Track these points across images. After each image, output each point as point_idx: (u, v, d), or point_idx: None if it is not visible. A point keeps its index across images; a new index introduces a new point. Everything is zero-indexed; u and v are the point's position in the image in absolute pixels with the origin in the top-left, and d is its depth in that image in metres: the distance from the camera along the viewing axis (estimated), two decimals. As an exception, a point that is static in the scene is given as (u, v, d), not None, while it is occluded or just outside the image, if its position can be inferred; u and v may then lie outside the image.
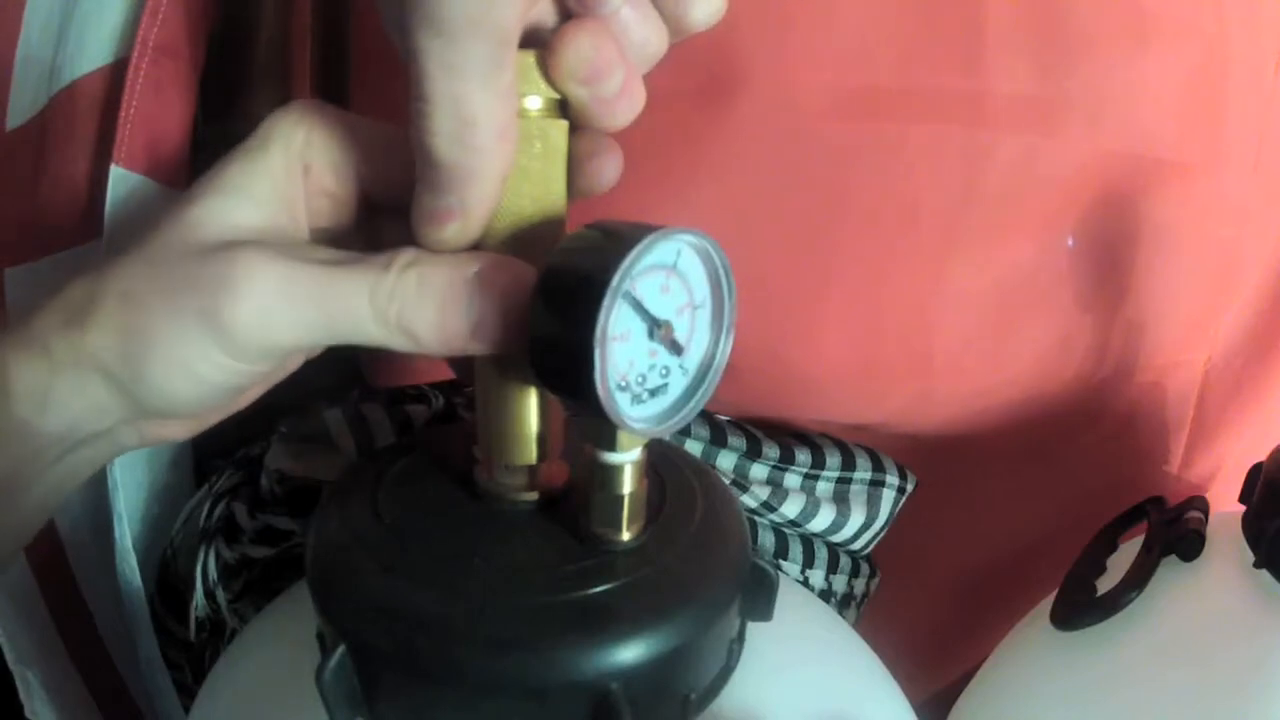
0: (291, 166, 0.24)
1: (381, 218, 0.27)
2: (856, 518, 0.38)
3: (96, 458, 0.26)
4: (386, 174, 0.25)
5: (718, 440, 0.37)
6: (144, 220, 0.24)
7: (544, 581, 0.23)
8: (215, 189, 0.24)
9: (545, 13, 0.23)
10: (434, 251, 0.23)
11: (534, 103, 0.23)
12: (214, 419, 0.27)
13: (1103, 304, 0.40)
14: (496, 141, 0.21)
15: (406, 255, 0.23)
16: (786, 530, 0.38)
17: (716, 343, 0.24)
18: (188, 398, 0.23)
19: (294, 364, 0.27)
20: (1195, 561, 0.34)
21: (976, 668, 0.40)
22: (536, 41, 0.23)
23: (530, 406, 0.25)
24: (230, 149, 0.25)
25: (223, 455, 0.40)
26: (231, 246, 0.23)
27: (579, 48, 0.21)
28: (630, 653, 0.22)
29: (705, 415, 0.38)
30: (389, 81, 0.36)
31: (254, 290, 0.22)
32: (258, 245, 0.23)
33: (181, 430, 0.26)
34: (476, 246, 0.24)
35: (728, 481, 0.36)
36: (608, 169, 0.24)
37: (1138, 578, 0.33)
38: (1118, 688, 0.32)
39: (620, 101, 0.23)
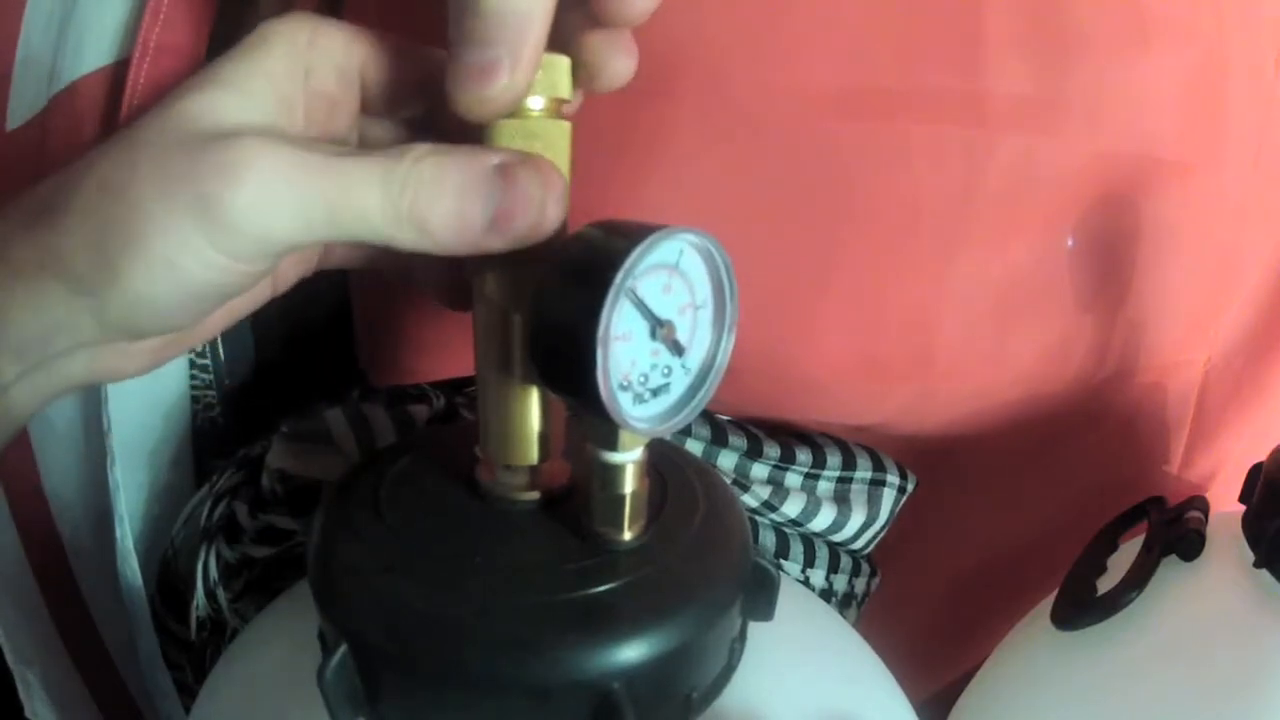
0: (293, 67, 0.23)
1: (379, 129, 0.26)
2: (857, 517, 0.38)
3: (42, 390, 0.23)
4: (388, 81, 0.25)
5: (718, 440, 0.37)
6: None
7: (545, 581, 0.23)
8: (209, 83, 0.22)
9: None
10: (476, 118, 0.22)
11: (536, 103, 0.23)
12: (178, 348, 0.25)
13: (1103, 304, 0.41)
14: None
15: (422, 147, 0.22)
16: (787, 530, 0.39)
17: (718, 342, 0.24)
18: (167, 303, 0.22)
19: (282, 283, 0.27)
20: (1195, 561, 0.34)
21: (976, 668, 0.40)
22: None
23: (531, 406, 0.25)
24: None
25: (223, 455, 0.40)
26: (234, 134, 0.21)
27: None
28: (632, 652, 0.22)
29: (706, 415, 0.38)
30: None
31: (257, 176, 0.20)
32: (263, 134, 0.21)
33: (137, 361, 0.24)
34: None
35: (728, 481, 0.36)
36: (623, 66, 0.23)
37: (1138, 578, 0.33)
38: (1118, 688, 0.32)
39: None
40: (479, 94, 0.21)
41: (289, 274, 0.28)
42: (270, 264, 0.22)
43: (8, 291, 0.21)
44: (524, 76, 0.21)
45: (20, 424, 0.24)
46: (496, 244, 0.22)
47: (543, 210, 0.22)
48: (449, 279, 0.28)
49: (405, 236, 0.22)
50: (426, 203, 0.21)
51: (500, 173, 0.22)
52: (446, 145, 0.22)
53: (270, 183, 0.21)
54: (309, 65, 0.24)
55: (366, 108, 0.26)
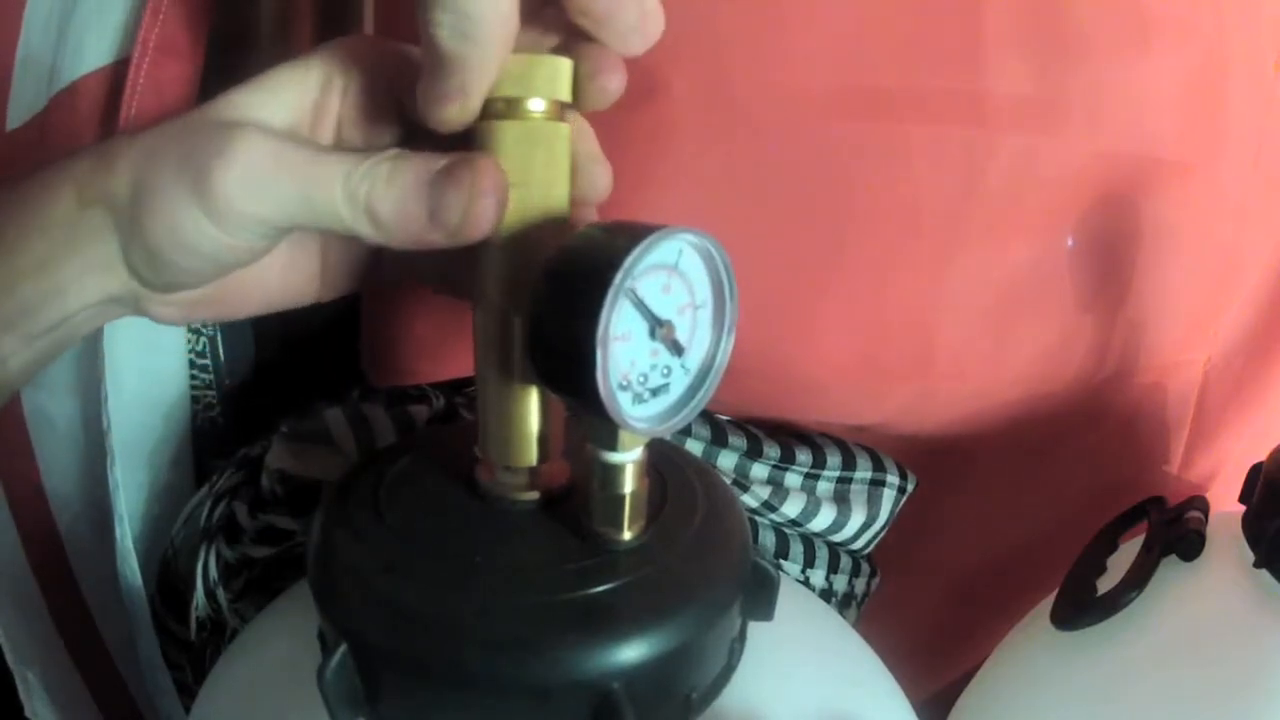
0: (329, 80, 0.26)
1: (420, 141, 0.28)
2: (857, 517, 0.38)
3: (91, 320, 0.27)
4: None
5: (718, 440, 0.37)
6: None
7: (545, 581, 0.23)
8: (253, 84, 0.26)
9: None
10: (439, 131, 0.24)
11: (537, 105, 0.23)
12: (210, 310, 0.28)
13: (1103, 304, 0.41)
14: (496, 30, 0.22)
15: (389, 152, 0.24)
16: (787, 530, 0.39)
17: (717, 343, 0.24)
18: (173, 260, 0.25)
19: (330, 289, 0.29)
20: (1195, 561, 0.34)
21: (976, 668, 0.40)
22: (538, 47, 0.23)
23: (531, 407, 0.25)
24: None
25: (223, 455, 0.40)
26: (238, 124, 0.24)
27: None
28: (632, 652, 0.22)
29: (706, 415, 0.38)
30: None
31: (243, 160, 0.23)
32: (258, 127, 0.24)
33: (170, 312, 0.27)
34: (483, 242, 0.24)
35: (728, 481, 0.36)
36: (612, 84, 0.25)
37: (1138, 578, 0.33)
38: (1118, 688, 0.32)
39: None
40: (439, 115, 0.23)
41: (340, 281, 0.29)
42: (259, 242, 0.25)
43: (76, 218, 0.25)
44: (476, 103, 0.23)
45: (57, 356, 0.27)
46: (438, 238, 0.24)
47: (473, 206, 0.23)
48: None
49: (362, 228, 0.24)
50: (377, 196, 0.24)
51: (443, 173, 0.23)
52: (411, 151, 0.24)
53: (254, 167, 0.24)
54: (348, 81, 0.26)
55: (412, 120, 0.27)
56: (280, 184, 0.24)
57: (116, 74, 0.36)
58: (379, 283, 0.30)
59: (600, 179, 0.27)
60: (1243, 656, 0.30)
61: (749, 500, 0.37)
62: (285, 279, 0.28)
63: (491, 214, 0.23)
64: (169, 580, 0.41)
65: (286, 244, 0.27)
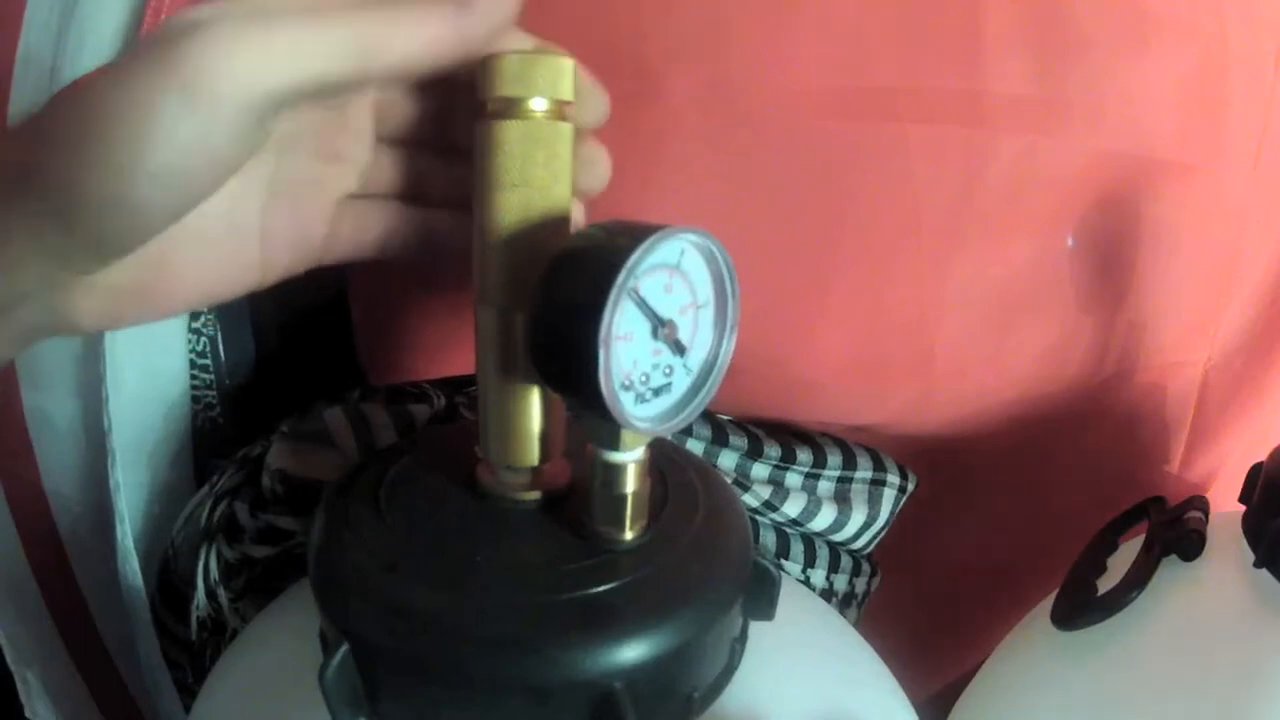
0: None
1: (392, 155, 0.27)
2: (858, 517, 0.38)
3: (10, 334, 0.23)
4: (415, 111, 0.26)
5: (719, 439, 0.37)
6: None
7: (546, 580, 0.23)
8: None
9: None
10: None
11: (539, 104, 0.23)
12: (138, 304, 0.25)
13: (1103, 304, 0.41)
14: None
15: None
16: (788, 529, 0.39)
17: (719, 342, 0.24)
18: (127, 191, 0.21)
19: (272, 272, 0.27)
20: (1195, 561, 0.34)
21: (977, 668, 0.40)
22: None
23: (532, 406, 0.25)
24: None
25: (223, 455, 0.40)
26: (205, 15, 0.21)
27: None
28: (633, 652, 0.22)
29: (706, 414, 0.38)
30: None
31: (223, 26, 0.20)
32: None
33: (97, 303, 0.24)
34: (484, 241, 0.24)
35: (729, 481, 0.36)
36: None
37: (1138, 577, 0.33)
38: (1118, 687, 0.32)
39: None
40: None
41: (281, 261, 0.27)
42: (250, 132, 0.21)
43: None
44: None
45: None
46: (470, 23, 0.23)
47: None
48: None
49: (372, 33, 0.22)
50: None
51: None
52: None
53: (232, 28, 0.20)
54: None
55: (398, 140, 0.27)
56: (276, 35, 0.21)
57: (117, 73, 0.36)
58: (330, 259, 0.29)
59: (598, 167, 0.27)
60: (1242, 656, 0.30)
61: (750, 500, 0.37)
62: (222, 263, 0.26)
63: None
64: (169, 580, 0.41)
65: (225, 224, 0.24)
